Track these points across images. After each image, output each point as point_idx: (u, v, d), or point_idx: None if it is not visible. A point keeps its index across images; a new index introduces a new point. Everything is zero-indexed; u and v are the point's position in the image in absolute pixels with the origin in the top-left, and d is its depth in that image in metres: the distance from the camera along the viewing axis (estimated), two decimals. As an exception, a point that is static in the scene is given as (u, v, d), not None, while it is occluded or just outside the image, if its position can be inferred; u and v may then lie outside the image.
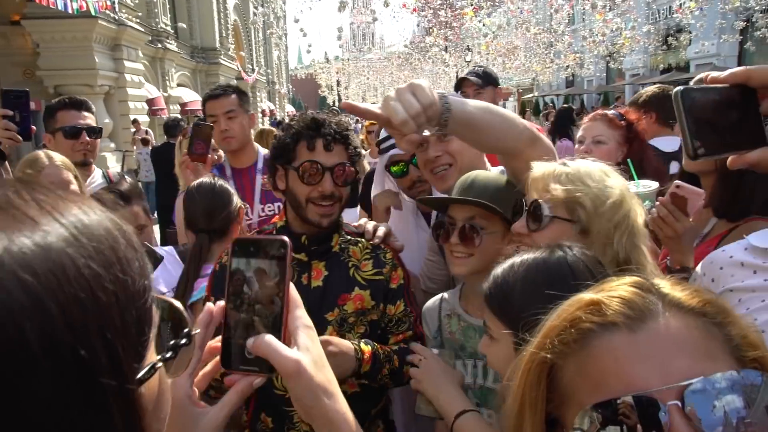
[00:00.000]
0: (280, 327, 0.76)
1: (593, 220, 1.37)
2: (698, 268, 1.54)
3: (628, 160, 2.18)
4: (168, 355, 0.58)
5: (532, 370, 0.72)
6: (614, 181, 1.42)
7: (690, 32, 22.56)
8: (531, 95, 39.69)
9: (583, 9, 20.68)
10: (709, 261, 1.49)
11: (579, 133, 2.86)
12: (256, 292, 0.77)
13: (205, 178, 2.49)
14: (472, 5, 19.20)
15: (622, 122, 2.69)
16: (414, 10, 21.30)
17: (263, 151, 3.46)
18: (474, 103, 1.52)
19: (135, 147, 13.91)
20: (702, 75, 1.73)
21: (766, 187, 1.71)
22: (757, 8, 17.28)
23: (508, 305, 1.14)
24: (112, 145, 15.06)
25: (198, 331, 0.75)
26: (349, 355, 1.71)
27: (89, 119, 3.15)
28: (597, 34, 21.29)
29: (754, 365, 0.64)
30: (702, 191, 1.78)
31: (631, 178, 1.97)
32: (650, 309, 0.67)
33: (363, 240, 1.97)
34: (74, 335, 0.43)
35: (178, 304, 0.63)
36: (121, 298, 0.47)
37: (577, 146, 2.81)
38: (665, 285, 0.70)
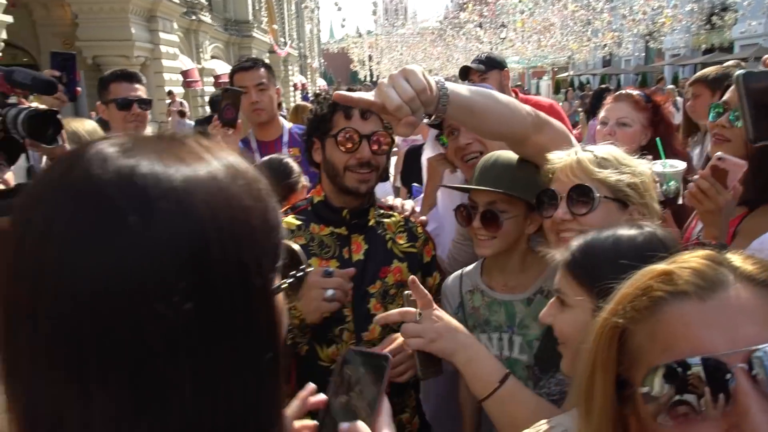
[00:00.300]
0: (372, 424, 0.89)
1: (645, 199, 1.44)
2: (754, 244, 1.55)
3: (657, 139, 2.15)
4: (290, 280, 0.69)
5: (605, 334, 0.76)
6: (640, 163, 1.48)
7: (736, 11, 21.70)
8: (566, 74, 38.84)
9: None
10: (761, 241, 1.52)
11: (601, 114, 2.75)
12: (357, 393, 0.92)
13: (274, 156, 2.60)
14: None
15: (649, 104, 2.61)
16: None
17: (288, 125, 3.52)
18: (472, 89, 1.52)
19: (170, 118, 14.14)
20: (764, 57, 1.73)
21: None
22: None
23: (596, 274, 1.12)
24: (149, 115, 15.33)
25: (312, 269, 0.87)
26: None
27: (140, 91, 3.27)
28: (637, 12, 20.64)
29: None
30: (744, 162, 1.72)
31: (658, 157, 1.97)
32: (721, 280, 0.70)
33: (395, 214, 2.03)
34: (237, 248, 0.55)
35: (295, 246, 0.74)
36: (265, 226, 0.60)
37: (599, 127, 2.72)
38: (736, 258, 0.74)
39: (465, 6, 23.70)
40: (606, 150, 1.50)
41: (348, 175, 1.85)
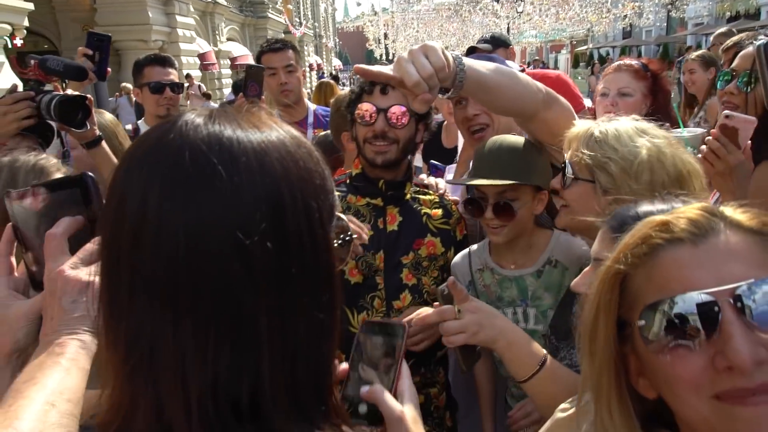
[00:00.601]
0: (390, 389, 0.91)
1: (621, 182, 1.42)
2: None
3: (674, 105, 2.16)
4: (340, 241, 0.77)
5: (608, 280, 0.83)
6: (644, 141, 1.43)
7: (762, -24, 21.05)
8: (585, 47, 38.11)
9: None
10: None
11: (601, 85, 2.76)
12: (376, 362, 0.96)
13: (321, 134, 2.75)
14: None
15: (647, 73, 2.62)
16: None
17: (312, 107, 3.60)
18: (488, 65, 1.55)
19: (189, 101, 14.26)
20: None
21: None
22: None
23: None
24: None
25: (356, 236, 0.94)
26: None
27: (172, 75, 3.37)
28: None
29: None
30: (754, 119, 1.71)
31: (675, 123, 1.99)
32: (713, 227, 0.78)
33: (430, 192, 2.11)
34: (304, 200, 0.65)
35: (342, 215, 0.80)
36: (324, 186, 0.69)
37: (599, 98, 2.71)
38: (729, 209, 0.81)
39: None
40: (615, 125, 1.48)
41: (366, 146, 1.95)
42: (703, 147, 1.78)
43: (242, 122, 0.66)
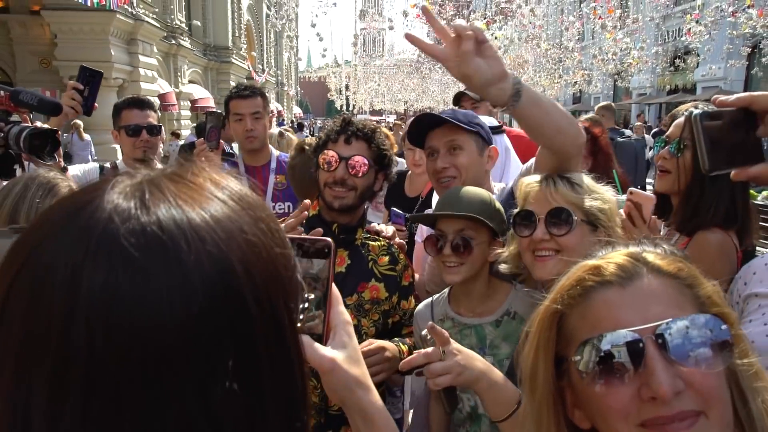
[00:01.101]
0: (323, 320, 0.82)
1: (611, 221, 1.60)
2: (740, 272, 1.73)
3: (614, 171, 2.34)
4: (301, 317, 0.69)
5: (546, 318, 0.91)
6: (607, 190, 1.64)
7: (698, 55, 22.78)
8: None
9: (593, 27, 20.91)
10: (747, 265, 1.71)
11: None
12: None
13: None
14: (485, 18, 19.42)
15: (588, 135, 2.78)
16: (427, 20, 21.50)
17: (276, 153, 3.65)
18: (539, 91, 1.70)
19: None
20: (713, 97, 1.95)
21: (721, 206, 1.94)
22: (764, 35, 17.49)
23: None
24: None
25: (312, 296, 0.82)
26: (396, 357, 1.94)
27: (150, 118, 3.33)
28: (606, 53, 21.50)
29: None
30: (652, 196, 1.91)
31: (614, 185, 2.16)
32: (637, 272, 0.87)
33: (380, 238, 2.20)
34: (272, 303, 0.54)
35: (299, 278, 0.72)
36: (289, 270, 0.58)
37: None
38: (651, 255, 0.91)
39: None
40: (577, 176, 1.66)
41: (326, 191, 2.05)
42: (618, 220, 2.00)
43: (182, 200, 0.52)
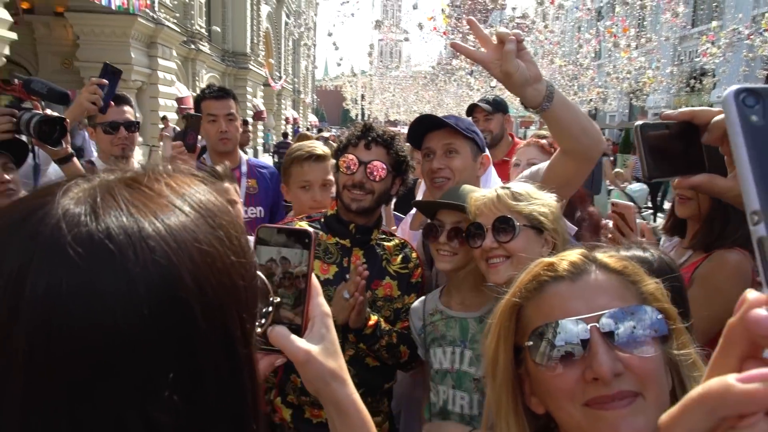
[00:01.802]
0: (301, 312, 0.82)
1: (555, 225, 1.72)
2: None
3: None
4: (263, 321, 0.71)
5: (506, 311, 1.02)
6: (549, 195, 1.77)
7: (713, 76, 22.72)
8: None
9: (609, 45, 20.95)
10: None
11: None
12: (280, 278, 0.82)
13: None
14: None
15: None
16: (444, 33, 21.71)
17: (245, 157, 3.63)
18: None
19: (161, 143, 14.31)
20: (661, 113, 2.06)
21: (745, 229, 2.00)
22: (781, 58, 17.44)
23: None
24: (140, 138, 15.45)
25: (278, 299, 0.83)
26: (364, 315, 2.01)
27: (128, 114, 3.20)
28: (621, 71, 21.51)
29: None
30: (631, 204, 2.09)
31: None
32: (587, 268, 0.99)
33: (395, 239, 2.32)
34: (223, 315, 0.53)
35: (262, 276, 0.71)
36: (248, 281, 0.57)
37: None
38: (600, 253, 1.03)
39: (457, 54, 24.47)
40: (520, 186, 1.80)
41: (345, 192, 2.15)
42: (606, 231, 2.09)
43: (135, 208, 0.52)
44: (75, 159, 2.50)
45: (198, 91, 3.87)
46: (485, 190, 1.84)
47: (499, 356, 1.00)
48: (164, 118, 16.03)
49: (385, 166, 2.13)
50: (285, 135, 24.69)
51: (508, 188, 1.78)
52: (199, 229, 0.53)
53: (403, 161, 2.21)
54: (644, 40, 19.91)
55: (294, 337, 0.81)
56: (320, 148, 2.88)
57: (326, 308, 0.86)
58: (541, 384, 0.94)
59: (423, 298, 2.14)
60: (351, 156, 2.13)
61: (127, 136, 3.17)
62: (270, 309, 0.75)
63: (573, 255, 1.01)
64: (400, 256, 2.25)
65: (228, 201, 0.64)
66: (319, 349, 0.82)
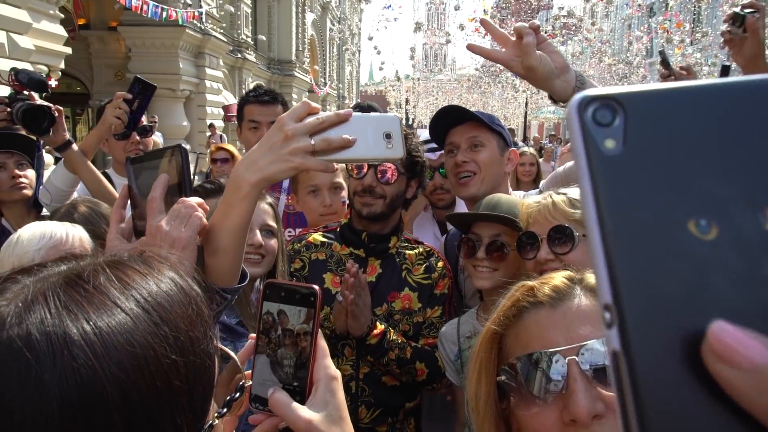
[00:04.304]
0: (305, 374, 0.78)
1: None
2: None
3: None
4: (224, 411, 0.66)
5: (486, 340, 0.90)
6: None
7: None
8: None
9: (662, 42, 20.19)
10: None
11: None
12: (283, 337, 0.79)
13: None
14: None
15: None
16: (486, 34, 21.41)
17: None
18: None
19: (209, 149, 14.59)
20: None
21: None
22: None
23: None
24: (188, 146, 15.88)
25: (250, 383, 0.79)
26: (366, 318, 1.88)
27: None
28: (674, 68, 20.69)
29: None
30: None
31: None
32: (569, 293, 0.86)
33: (420, 246, 2.14)
34: (150, 421, 0.49)
35: (233, 356, 0.69)
36: (191, 379, 0.53)
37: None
38: (590, 276, 0.89)
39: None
40: (577, 192, 1.57)
41: (355, 198, 2.03)
42: None
43: (69, 308, 0.49)
44: (74, 146, 2.47)
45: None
46: (538, 197, 1.66)
47: (481, 390, 0.89)
48: (211, 126, 16.36)
49: (395, 169, 1.99)
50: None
51: (564, 194, 1.59)
52: (136, 328, 0.50)
53: (417, 162, 2.05)
54: (700, 35, 19.05)
55: (295, 405, 0.77)
56: None
57: (333, 371, 0.81)
58: (521, 422, 0.83)
59: (455, 320, 1.98)
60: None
61: (140, 141, 3.02)
62: (237, 395, 0.71)
63: (557, 278, 0.90)
64: (424, 266, 2.08)
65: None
66: (322, 417, 0.77)
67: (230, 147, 4.76)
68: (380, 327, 1.93)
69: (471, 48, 1.66)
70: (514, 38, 1.53)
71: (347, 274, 1.80)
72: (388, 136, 1.03)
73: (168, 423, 0.51)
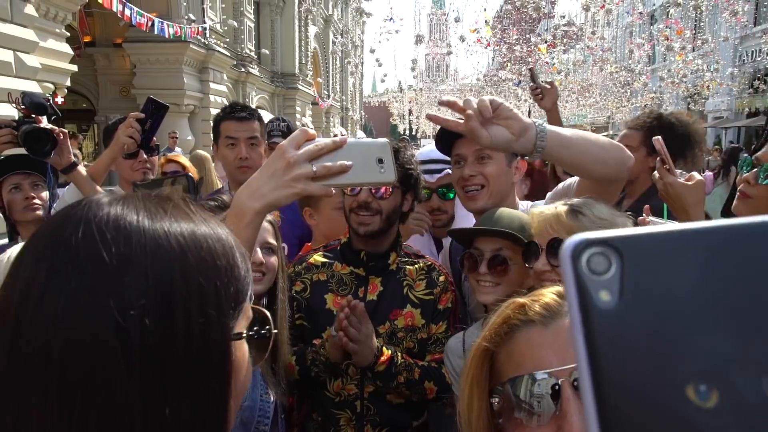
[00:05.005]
0: None
1: None
2: None
3: (664, 205, 2.20)
4: (251, 332, 0.72)
5: (478, 356, 0.90)
6: (620, 216, 1.58)
7: (779, 76, 21.54)
8: (605, 133, 38.75)
9: (663, 49, 20.23)
10: None
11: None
12: None
13: None
14: (546, 42, 19.19)
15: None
16: (488, 44, 21.52)
17: None
18: (568, 130, 1.66)
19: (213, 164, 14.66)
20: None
21: None
22: None
23: None
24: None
25: (275, 330, 0.87)
26: (371, 348, 1.87)
27: None
28: (676, 75, 20.69)
29: None
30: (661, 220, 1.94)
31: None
32: (561, 310, 0.85)
33: (420, 261, 2.12)
34: (200, 286, 0.61)
35: (266, 312, 0.77)
36: (233, 272, 0.65)
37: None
38: None
39: (504, 65, 24.20)
40: (584, 203, 1.59)
41: (352, 216, 2.01)
42: None
43: (149, 206, 0.63)
44: (80, 168, 2.48)
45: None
46: (542, 207, 1.66)
47: (474, 405, 0.89)
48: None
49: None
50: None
51: (569, 205, 1.58)
52: (195, 224, 0.64)
53: (411, 174, 2.04)
54: (700, 42, 19.05)
55: None
56: None
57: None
58: None
59: (461, 334, 1.96)
60: None
61: (147, 160, 2.96)
62: (265, 333, 0.75)
63: (548, 295, 0.89)
64: (425, 281, 2.07)
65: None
66: None
67: (182, 159, 4.70)
68: (387, 353, 1.91)
69: (429, 117, 1.66)
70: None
71: (341, 313, 1.80)
72: (380, 161, 1.11)
73: (210, 296, 0.62)
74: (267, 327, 0.75)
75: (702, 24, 23.12)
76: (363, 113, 74.34)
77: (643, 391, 0.27)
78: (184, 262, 0.60)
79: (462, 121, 1.50)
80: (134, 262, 0.57)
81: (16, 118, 2.44)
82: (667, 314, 0.28)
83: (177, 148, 11.67)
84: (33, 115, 2.39)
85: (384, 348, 1.93)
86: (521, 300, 0.90)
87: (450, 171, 2.31)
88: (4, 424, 0.55)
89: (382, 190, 1.97)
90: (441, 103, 1.61)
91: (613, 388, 0.27)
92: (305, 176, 1.05)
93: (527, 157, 1.67)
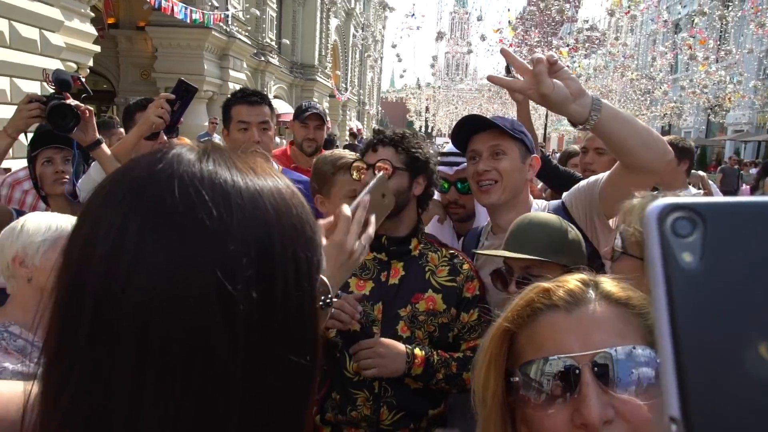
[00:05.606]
0: None
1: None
2: None
3: None
4: (322, 303, 0.74)
5: (498, 335, 0.93)
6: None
7: (803, 91, 21.23)
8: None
9: (686, 58, 20.01)
10: None
11: (581, 143, 3.12)
12: None
13: None
14: (568, 46, 19.05)
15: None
16: (510, 45, 21.42)
17: (279, 168, 3.35)
18: (621, 110, 1.75)
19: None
20: None
21: None
22: None
23: None
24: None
25: (336, 298, 0.92)
26: (399, 356, 1.92)
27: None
28: (698, 85, 20.47)
29: None
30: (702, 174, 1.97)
31: None
32: (585, 297, 0.89)
33: (443, 249, 2.16)
34: (294, 252, 0.60)
35: (326, 280, 0.77)
36: (313, 241, 0.64)
37: (581, 155, 3.09)
38: (605, 280, 0.92)
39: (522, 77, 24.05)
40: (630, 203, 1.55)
41: None
42: None
43: (238, 162, 0.60)
44: (103, 145, 2.53)
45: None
46: (647, 195, 1.60)
47: (489, 383, 0.92)
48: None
49: (389, 162, 2.01)
50: (352, 144, 24.85)
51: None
52: (281, 185, 0.62)
53: (418, 157, 2.03)
54: (724, 53, 18.83)
55: None
56: None
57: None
58: (531, 421, 0.87)
59: None
60: (359, 163, 2.09)
61: (167, 141, 2.94)
62: (328, 301, 0.78)
63: (572, 282, 0.92)
64: (447, 268, 2.09)
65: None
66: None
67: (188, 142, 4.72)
68: (420, 354, 1.95)
69: (491, 79, 1.74)
70: (532, 67, 1.60)
71: (346, 305, 1.89)
72: (383, 195, 1.25)
73: (304, 263, 0.61)
74: (329, 295, 0.78)
75: (727, 35, 22.85)
76: (380, 108, 74.33)
77: (718, 347, 0.29)
78: (281, 229, 0.58)
79: (521, 80, 1.61)
80: (236, 228, 0.55)
81: (48, 95, 2.51)
82: (745, 278, 0.29)
83: (215, 135, 11.56)
84: (62, 92, 2.45)
85: (417, 350, 1.96)
86: (546, 284, 0.93)
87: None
88: (90, 392, 0.52)
89: (380, 171, 2.00)
90: (490, 78, 1.75)
91: (689, 343, 0.29)
92: (363, 253, 1.17)
93: (579, 127, 1.69)
